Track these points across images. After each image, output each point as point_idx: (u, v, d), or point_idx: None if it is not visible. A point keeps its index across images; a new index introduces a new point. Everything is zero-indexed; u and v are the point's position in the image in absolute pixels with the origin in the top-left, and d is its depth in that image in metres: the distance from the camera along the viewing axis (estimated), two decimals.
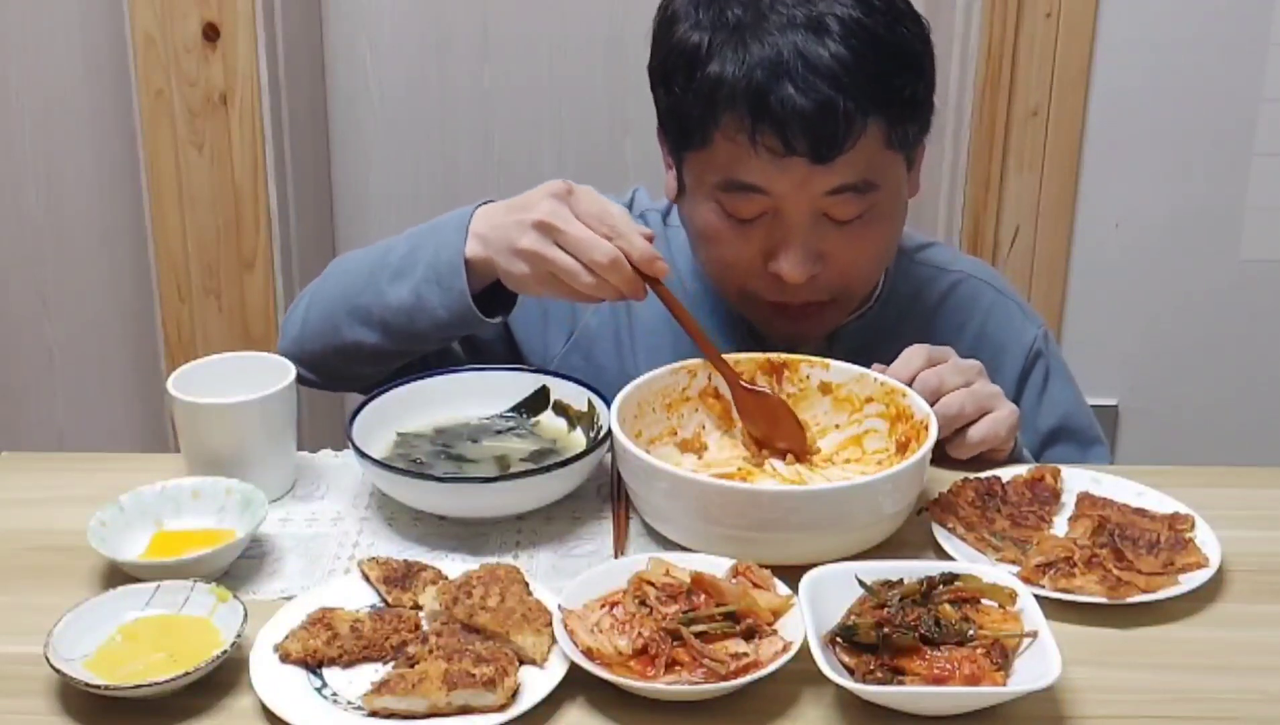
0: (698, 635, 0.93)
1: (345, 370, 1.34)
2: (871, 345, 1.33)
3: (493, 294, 1.23)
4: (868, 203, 1.21)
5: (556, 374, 1.28)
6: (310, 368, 1.33)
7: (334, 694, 0.93)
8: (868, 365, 1.22)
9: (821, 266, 1.23)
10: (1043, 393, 1.39)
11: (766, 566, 1.01)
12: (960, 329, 1.38)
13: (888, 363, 1.22)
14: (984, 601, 0.97)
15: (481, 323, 1.22)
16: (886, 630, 0.92)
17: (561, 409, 1.26)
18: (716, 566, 1.01)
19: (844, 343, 1.34)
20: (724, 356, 1.24)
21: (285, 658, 0.95)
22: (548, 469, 1.13)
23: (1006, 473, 1.19)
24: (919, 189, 1.32)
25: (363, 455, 1.13)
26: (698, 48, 1.18)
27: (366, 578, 1.04)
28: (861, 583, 0.98)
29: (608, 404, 1.17)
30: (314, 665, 0.95)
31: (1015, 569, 1.05)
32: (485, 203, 1.24)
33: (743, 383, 1.21)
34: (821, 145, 1.15)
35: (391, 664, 0.95)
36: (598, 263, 1.12)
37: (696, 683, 0.90)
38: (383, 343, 1.28)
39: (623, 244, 1.13)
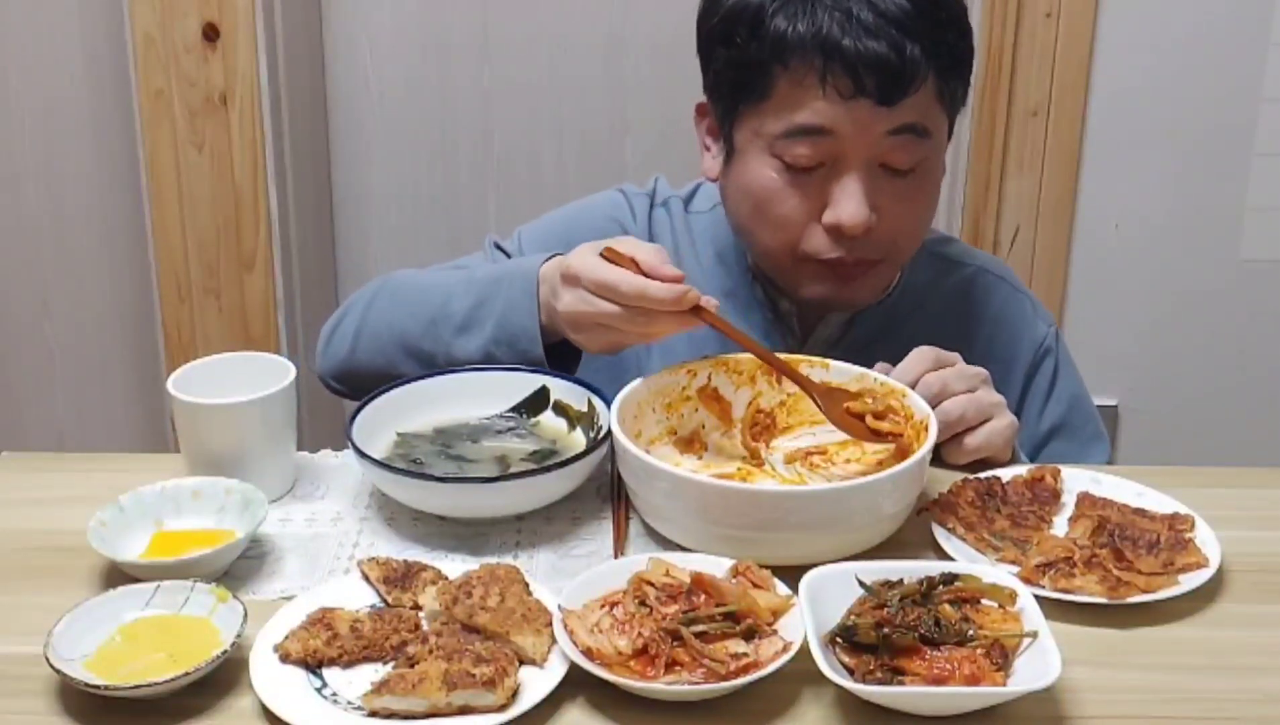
0: (698, 635, 0.93)
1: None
2: (887, 332, 1.35)
3: (563, 344, 1.25)
4: (923, 152, 1.23)
5: (556, 374, 1.28)
6: (352, 387, 1.35)
7: (334, 694, 0.93)
8: (882, 351, 1.24)
9: (877, 220, 1.23)
10: (1050, 389, 1.40)
11: (766, 566, 1.01)
12: (975, 321, 1.39)
13: (899, 352, 1.22)
14: (984, 601, 0.97)
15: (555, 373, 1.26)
16: (886, 630, 0.92)
17: (561, 409, 1.26)
18: (716, 566, 1.01)
19: (861, 328, 1.35)
20: (722, 357, 1.25)
21: (285, 658, 0.95)
22: (548, 469, 1.13)
23: (1006, 473, 1.19)
24: (944, 171, 1.33)
25: (363, 455, 1.13)
26: (762, 5, 1.21)
27: (366, 578, 1.04)
28: (861, 583, 0.98)
29: (610, 405, 1.17)
30: (314, 665, 0.95)
31: (1015, 569, 1.05)
32: (550, 257, 1.24)
33: (846, 408, 1.18)
34: (889, 86, 1.18)
35: (391, 664, 0.95)
36: (654, 299, 1.12)
37: (696, 683, 0.90)
38: (426, 367, 1.29)
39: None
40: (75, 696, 0.92)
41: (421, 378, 1.27)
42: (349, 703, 0.92)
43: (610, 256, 1.16)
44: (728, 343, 1.21)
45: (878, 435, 1.17)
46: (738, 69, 1.24)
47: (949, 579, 0.98)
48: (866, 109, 1.19)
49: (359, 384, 1.32)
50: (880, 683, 0.91)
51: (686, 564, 1.01)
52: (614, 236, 1.35)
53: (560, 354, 1.26)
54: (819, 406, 1.18)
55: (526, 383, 1.28)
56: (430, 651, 0.93)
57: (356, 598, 1.03)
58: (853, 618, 0.94)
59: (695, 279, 1.36)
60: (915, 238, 1.31)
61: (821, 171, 1.23)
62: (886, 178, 1.23)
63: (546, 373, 1.29)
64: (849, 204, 1.22)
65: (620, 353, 1.33)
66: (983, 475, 1.17)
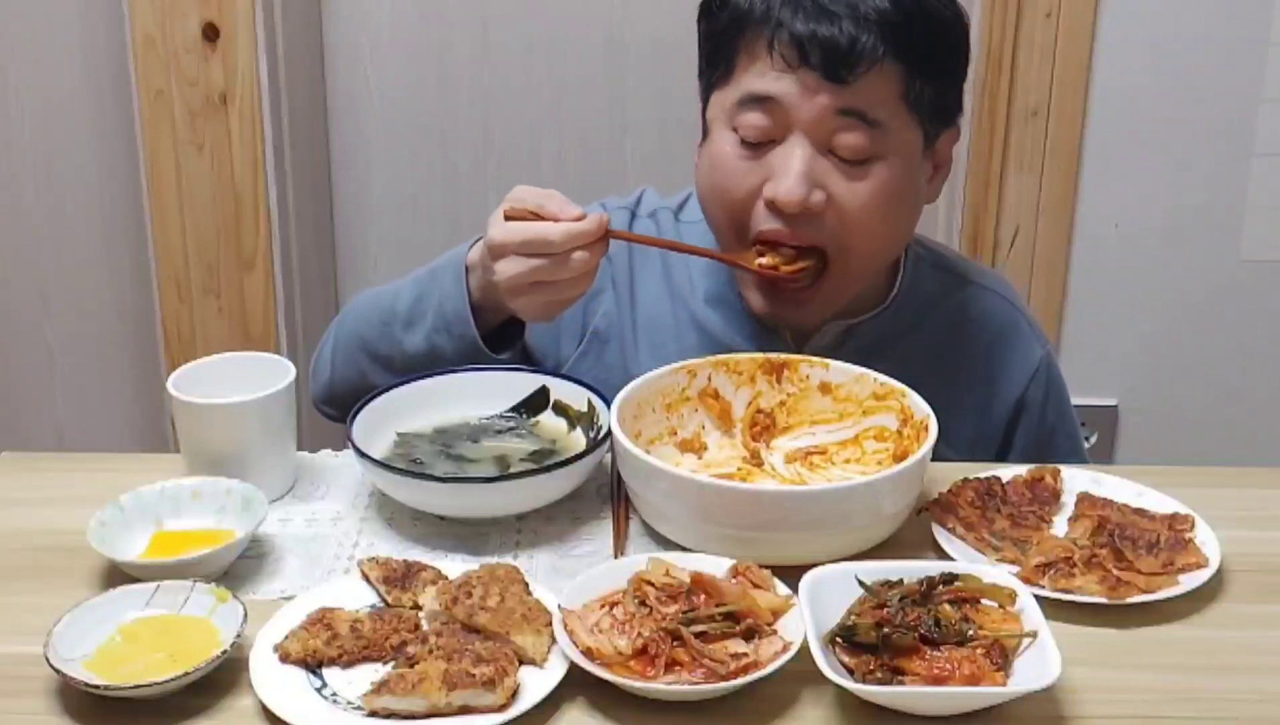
0: (698, 635, 0.93)
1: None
2: (883, 344, 1.34)
3: (503, 328, 1.29)
4: (874, 145, 1.21)
5: (556, 374, 1.28)
6: (340, 410, 1.34)
7: (334, 694, 0.93)
8: (878, 364, 1.23)
9: (822, 199, 1.22)
10: (1039, 419, 1.40)
11: (766, 566, 1.01)
12: (971, 340, 1.38)
13: (896, 365, 1.22)
14: (984, 601, 0.97)
15: (494, 360, 1.28)
16: (886, 630, 0.92)
17: (561, 409, 1.26)
18: (716, 566, 1.01)
19: (857, 340, 1.34)
20: (722, 357, 1.25)
21: (285, 658, 0.95)
22: (548, 469, 1.13)
23: (1006, 473, 1.19)
24: (937, 195, 1.33)
25: (363, 455, 1.13)
26: None
27: (366, 578, 1.04)
28: (861, 583, 0.98)
29: (610, 405, 1.17)
30: (314, 665, 0.95)
31: (1015, 569, 1.05)
32: (475, 242, 1.28)
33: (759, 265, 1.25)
34: (834, 62, 1.18)
35: (391, 664, 0.95)
36: (584, 234, 1.16)
37: (696, 683, 0.90)
38: (393, 375, 1.30)
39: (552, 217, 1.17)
40: (75, 696, 0.92)
41: (421, 378, 1.27)
42: (349, 703, 0.92)
43: (515, 216, 1.18)
44: (713, 347, 1.26)
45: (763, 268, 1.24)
46: (708, 43, 1.27)
47: (949, 579, 0.98)
48: (813, 81, 1.20)
49: (344, 404, 1.32)
50: (880, 683, 0.91)
51: (686, 564, 1.01)
52: None
53: (502, 338, 1.29)
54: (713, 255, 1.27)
55: (526, 383, 1.28)
56: (430, 651, 0.94)
57: (356, 598, 1.03)
58: (853, 618, 0.94)
59: (685, 288, 1.37)
60: (869, 239, 1.26)
61: (772, 147, 1.23)
62: (835, 163, 1.22)
63: (546, 373, 1.29)
64: (786, 177, 1.22)
65: (610, 353, 1.33)
66: (983, 475, 1.17)
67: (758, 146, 1.24)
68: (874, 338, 1.35)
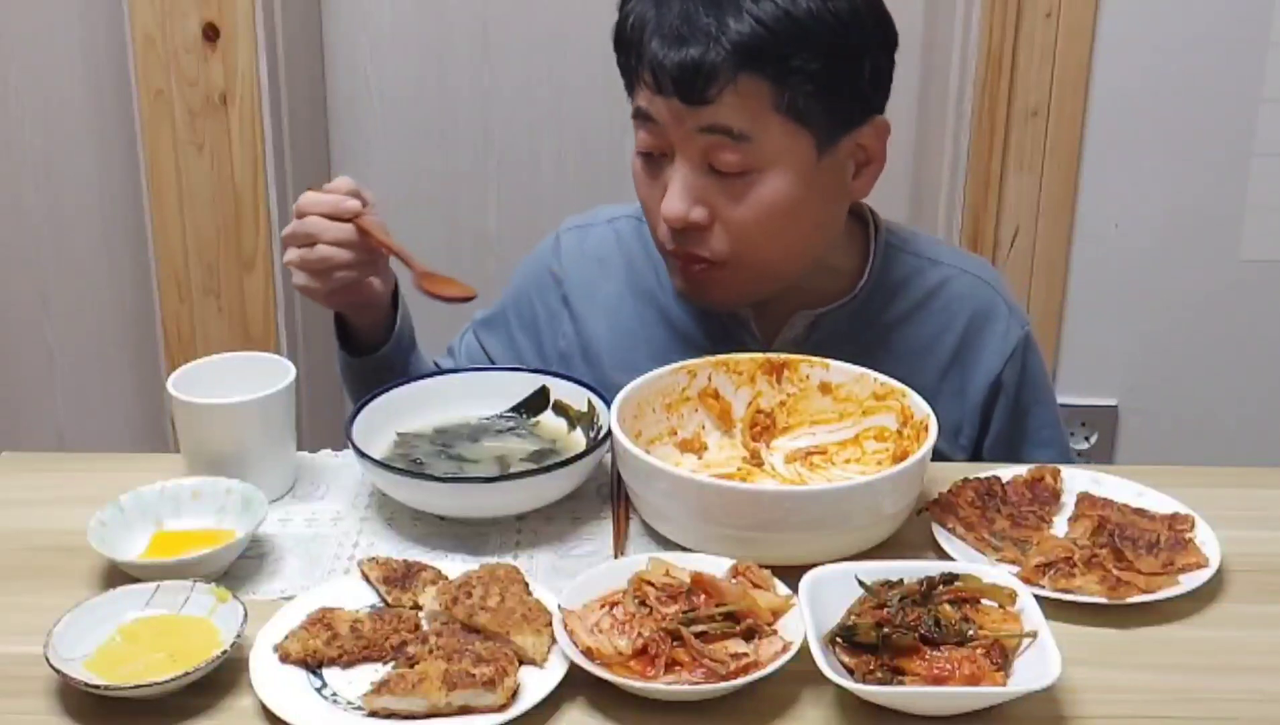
0: (698, 635, 0.93)
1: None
2: (853, 332, 1.34)
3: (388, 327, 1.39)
4: (748, 158, 1.22)
5: (556, 374, 1.28)
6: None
7: (334, 694, 0.93)
8: (848, 352, 1.24)
9: (704, 216, 1.24)
10: (1015, 399, 1.39)
11: (766, 566, 1.01)
12: (946, 325, 1.38)
13: (866, 352, 1.24)
14: (984, 601, 0.97)
15: (358, 356, 1.38)
16: (886, 630, 0.92)
17: (561, 409, 1.26)
18: (716, 566, 1.01)
19: (825, 329, 1.34)
20: (722, 358, 1.25)
21: (285, 658, 0.95)
22: (548, 469, 1.13)
23: (1006, 473, 1.19)
24: (868, 190, 1.32)
25: (363, 455, 1.13)
26: (624, 1, 1.29)
27: (366, 578, 1.04)
28: (861, 583, 0.98)
29: (607, 405, 1.17)
30: (314, 665, 0.95)
31: (1015, 569, 1.05)
32: None
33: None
34: (685, 87, 1.20)
35: (391, 664, 0.95)
36: (312, 202, 1.30)
37: (696, 683, 0.90)
38: (366, 387, 1.31)
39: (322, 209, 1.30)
40: (75, 696, 0.92)
41: (421, 378, 1.27)
42: (349, 703, 0.92)
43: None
44: (682, 343, 1.30)
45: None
46: (616, 56, 1.31)
47: (949, 579, 0.98)
48: (674, 103, 1.22)
49: None
50: (880, 683, 0.91)
51: (686, 564, 1.01)
52: (545, 281, 1.47)
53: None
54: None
55: (526, 383, 1.28)
56: (430, 651, 0.94)
57: (356, 598, 1.03)
58: (853, 618, 0.94)
59: (653, 288, 1.39)
60: (761, 249, 1.26)
61: (665, 161, 1.26)
62: (716, 178, 1.24)
63: (547, 373, 1.29)
64: (669, 196, 1.24)
65: (578, 373, 1.34)
66: (983, 475, 1.17)
67: (653, 161, 1.27)
68: (843, 326, 1.35)
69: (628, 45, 1.27)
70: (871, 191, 1.33)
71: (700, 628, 0.93)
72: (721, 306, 1.34)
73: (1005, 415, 1.39)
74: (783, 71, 1.20)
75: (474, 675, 0.90)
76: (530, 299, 1.47)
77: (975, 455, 1.39)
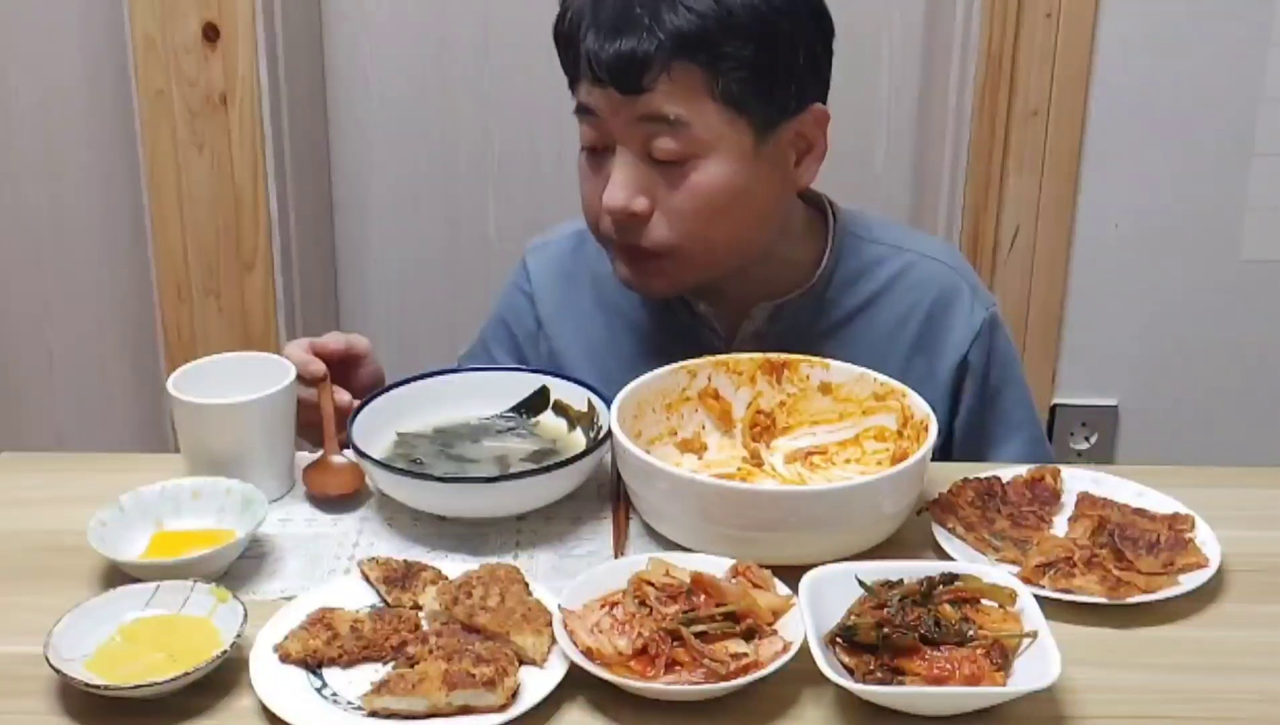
0: (698, 635, 0.93)
1: None
2: (815, 321, 1.35)
3: None
4: (685, 146, 1.23)
5: (556, 374, 1.28)
6: None
7: (334, 694, 0.93)
8: (812, 340, 1.27)
9: (645, 206, 1.25)
10: (983, 379, 1.39)
11: (766, 566, 1.01)
12: (908, 311, 1.38)
13: (829, 341, 1.25)
14: (984, 601, 0.97)
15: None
16: (886, 630, 0.92)
17: (561, 409, 1.26)
18: (716, 566, 1.01)
19: (786, 319, 1.35)
20: (722, 358, 1.25)
21: (285, 658, 0.95)
22: (548, 469, 1.13)
23: (1006, 473, 1.19)
24: (812, 178, 1.32)
25: (363, 455, 1.13)
26: None
27: (366, 578, 1.04)
28: (861, 583, 0.98)
29: (608, 405, 1.17)
30: (314, 665, 0.95)
31: (1015, 569, 1.05)
32: None
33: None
34: (620, 78, 1.22)
35: (391, 664, 0.95)
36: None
37: (696, 683, 0.90)
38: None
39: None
40: (75, 696, 0.92)
41: (421, 378, 1.27)
42: (349, 703, 0.92)
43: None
44: (649, 349, 1.32)
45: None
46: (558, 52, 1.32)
47: (949, 579, 0.98)
48: (612, 94, 1.23)
49: None
50: (880, 683, 0.91)
51: (686, 564, 1.01)
52: (520, 304, 1.47)
53: None
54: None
55: (526, 383, 1.28)
56: (430, 651, 0.94)
57: (356, 598, 1.03)
58: (853, 618, 0.94)
59: (618, 298, 1.41)
60: (700, 235, 1.26)
61: (607, 155, 1.27)
62: (656, 168, 1.25)
63: (546, 373, 1.29)
64: (610, 187, 1.25)
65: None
66: (983, 475, 1.17)
67: (596, 155, 1.28)
68: (805, 316, 1.35)
69: (566, 40, 1.29)
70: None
71: (700, 628, 0.93)
72: (663, 295, 1.36)
73: (975, 396, 1.39)
74: (715, 58, 1.21)
75: (474, 675, 0.90)
76: (508, 324, 1.49)
77: (947, 438, 1.39)
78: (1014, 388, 1.42)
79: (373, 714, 0.90)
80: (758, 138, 1.25)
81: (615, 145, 1.25)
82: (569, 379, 1.27)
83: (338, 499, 1.19)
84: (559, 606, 0.96)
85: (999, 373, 1.40)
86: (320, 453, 1.23)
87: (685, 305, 1.37)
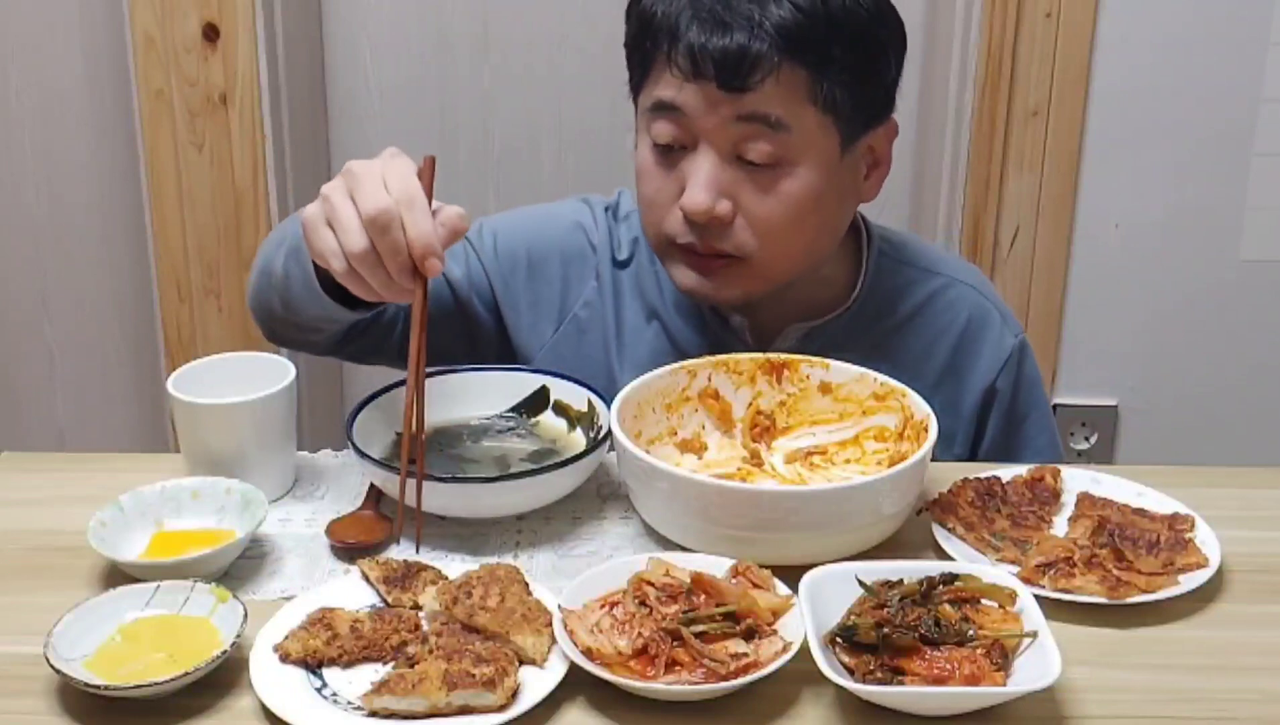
0: (698, 635, 0.93)
1: (286, 334, 1.37)
2: (847, 342, 1.34)
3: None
4: (781, 149, 1.21)
5: (556, 374, 1.28)
6: (260, 323, 1.37)
7: (334, 694, 0.93)
8: (843, 361, 1.24)
9: (729, 209, 1.23)
10: (1010, 407, 1.39)
11: (766, 566, 1.01)
12: (940, 335, 1.38)
13: (860, 362, 1.22)
14: (984, 601, 0.97)
15: (336, 308, 1.20)
16: (886, 630, 0.92)
17: (561, 409, 1.26)
18: (716, 566, 1.01)
19: (819, 342, 1.34)
20: (722, 358, 1.25)
21: (285, 658, 0.95)
22: (548, 469, 1.13)
23: (1006, 473, 1.19)
24: (876, 193, 1.32)
25: (363, 455, 1.13)
26: None
27: (366, 578, 1.04)
28: (861, 583, 0.98)
29: (605, 401, 1.17)
30: (314, 665, 0.95)
31: (1015, 569, 1.05)
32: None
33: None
34: (728, 74, 1.19)
35: (391, 664, 0.95)
36: (352, 253, 1.06)
37: (696, 683, 0.90)
38: (286, 313, 1.29)
39: (406, 222, 1.10)
40: (75, 696, 0.92)
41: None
42: (349, 703, 0.92)
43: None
44: (675, 353, 1.28)
45: None
46: (628, 48, 1.28)
47: (949, 579, 0.98)
48: (711, 91, 1.20)
49: (261, 319, 1.36)
50: (880, 683, 0.91)
51: (686, 564, 1.01)
52: (580, 246, 1.40)
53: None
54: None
55: (526, 383, 1.28)
56: (430, 651, 0.94)
57: (356, 598, 1.03)
58: (853, 618, 0.94)
59: (654, 294, 1.38)
60: (783, 243, 1.26)
61: (684, 154, 1.24)
62: (743, 170, 1.23)
63: (546, 373, 1.29)
64: (692, 188, 1.23)
65: (589, 344, 1.33)
66: (983, 475, 1.17)
67: (671, 154, 1.25)
68: (837, 339, 1.34)
69: (657, 33, 1.23)
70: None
71: (700, 628, 0.93)
72: (730, 302, 1.33)
73: (1000, 422, 1.39)
74: (822, 61, 1.20)
75: (474, 675, 0.90)
76: (554, 253, 1.41)
77: (970, 462, 1.39)
78: (1038, 413, 1.42)
79: (373, 714, 0.90)
80: (843, 147, 1.25)
81: (698, 144, 1.23)
82: (569, 379, 1.27)
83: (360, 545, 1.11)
84: (559, 606, 0.96)
85: (1025, 399, 1.40)
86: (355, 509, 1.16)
87: (719, 316, 1.36)
